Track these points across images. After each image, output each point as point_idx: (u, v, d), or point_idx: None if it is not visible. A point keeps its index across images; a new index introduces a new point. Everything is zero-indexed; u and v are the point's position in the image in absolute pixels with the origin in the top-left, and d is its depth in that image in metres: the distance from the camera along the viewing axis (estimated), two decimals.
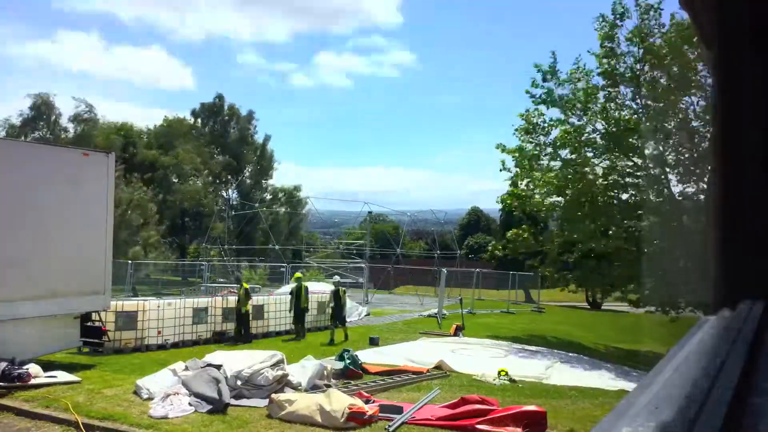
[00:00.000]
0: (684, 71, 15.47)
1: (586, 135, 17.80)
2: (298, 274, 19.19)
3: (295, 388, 9.43)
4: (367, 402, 8.51)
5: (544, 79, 17.96)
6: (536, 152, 18.57)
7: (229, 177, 52.58)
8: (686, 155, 16.03)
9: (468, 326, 20.01)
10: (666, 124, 16.29)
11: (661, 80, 16.69)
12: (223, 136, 53.47)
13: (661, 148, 16.36)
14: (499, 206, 23.82)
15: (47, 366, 10.36)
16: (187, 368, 9.82)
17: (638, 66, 16.98)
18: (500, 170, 19.20)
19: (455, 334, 18.24)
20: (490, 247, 23.35)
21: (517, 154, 18.60)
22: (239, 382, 9.24)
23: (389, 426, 7.82)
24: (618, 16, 17.03)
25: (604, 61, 17.16)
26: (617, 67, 17.10)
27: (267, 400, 8.67)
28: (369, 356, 13.29)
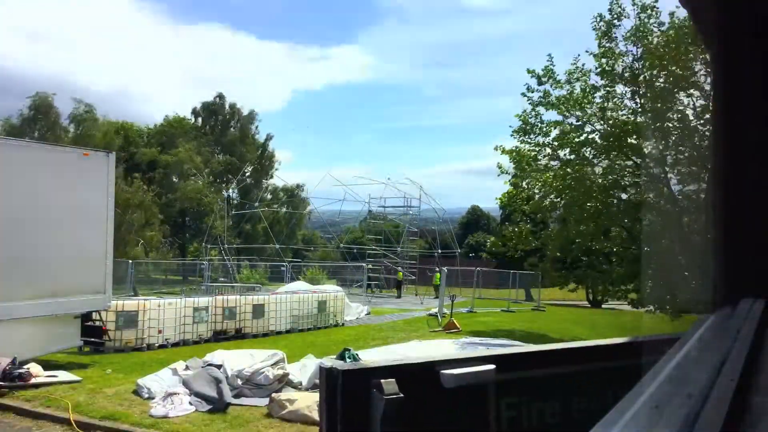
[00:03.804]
0: (683, 70, 15.46)
1: (584, 135, 17.80)
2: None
3: (296, 387, 9.44)
4: None
5: (540, 83, 17.98)
6: (534, 152, 18.58)
7: (230, 176, 52.65)
8: (686, 154, 16.02)
9: (470, 325, 20.04)
10: (665, 123, 16.28)
11: (660, 79, 16.68)
12: (224, 135, 53.47)
13: (660, 147, 16.35)
14: (498, 205, 23.90)
15: (48, 365, 10.38)
16: (187, 367, 9.84)
17: (637, 65, 16.96)
18: (498, 175, 19.29)
19: (450, 329, 18.71)
20: (489, 243, 23.42)
21: (514, 155, 18.62)
22: (240, 381, 9.25)
23: None
24: (615, 16, 17.02)
25: (603, 60, 17.15)
26: (615, 66, 17.09)
27: (267, 399, 8.68)
28: (370, 355, 13.29)
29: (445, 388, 1.93)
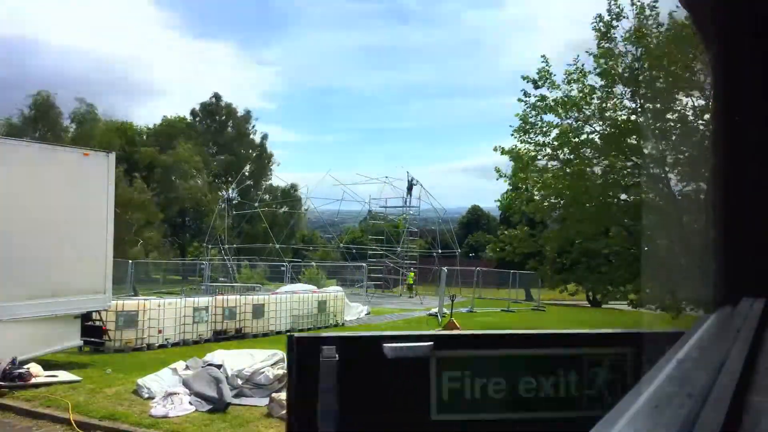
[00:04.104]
0: (683, 70, 15.44)
1: (584, 135, 17.79)
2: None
3: None
4: None
5: (536, 87, 17.92)
6: (534, 153, 18.55)
7: (229, 177, 52.65)
8: (686, 154, 16.00)
9: (470, 325, 20.05)
10: (665, 123, 16.26)
11: (660, 80, 16.64)
12: (222, 136, 53.49)
13: (660, 147, 16.34)
14: (498, 207, 23.88)
15: (48, 365, 10.38)
16: (187, 367, 9.84)
17: (636, 65, 16.93)
18: (498, 177, 19.29)
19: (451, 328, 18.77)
20: (488, 249, 23.37)
21: (514, 156, 18.59)
22: (240, 381, 9.25)
23: None
24: (614, 16, 16.98)
25: (602, 61, 17.12)
26: (615, 66, 17.05)
27: (267, 399, 8.68)
28: None
29: (388, 359, 2.23)
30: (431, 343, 2.30)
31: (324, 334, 2.40)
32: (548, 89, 17.87)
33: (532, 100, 18.03)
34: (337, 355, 2.15)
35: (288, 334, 2.36)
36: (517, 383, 2.41)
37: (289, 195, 52.33)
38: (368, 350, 2.27)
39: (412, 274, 36.84)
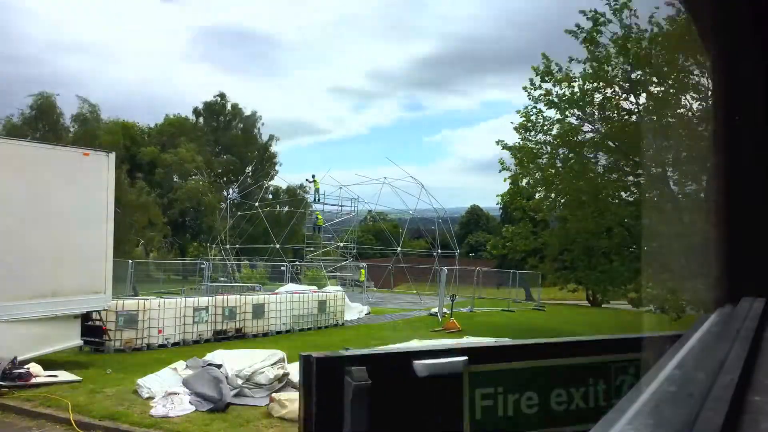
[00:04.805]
0: (677, 72, 15.44)
1: (584, 135, 17.80)
2: None
3: (296, 387, 9.42)
4: None
5: (543, 80, 17.91)
6: (536, 150, 18.55)
7: (231, 177, 52.56)
8: (685, 153, 16.00)
9: (469, 325, 20.05)
10: (664, 123, 16.26)
11: (654, 81, 16.62)
12: (226, 136, 53.37)
13: (661, 146, 16.34)
14: (499, 204, 23.93)
15: (48, 365, 10.38)
16: (187, 367, 9.84)
17: (629, 68, 16.89)
18: (500, 171, 19.26)
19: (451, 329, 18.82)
20: (488, 246, 23.47)
21: (516, 152, 18.60)
22: (240, 381, 9.26)
23: None
24: (594, 22, 16.84)
25: (595, 65, 17.07)
26: (608, 69, 17.00)
27: (267, 399, 8.69)
28: None
29: (418, 377, 2.04)
30: (465, 357, 2.15)
31: (346, 352, 2.18)
32: (552, 85, 17.89)
33: (536, 94, 18.03)
34: (368, 378, 1.93)
35: (301, 353, 2.00)
36: (548, 396, 2.33)
37: (296, 194, 52.16)
38: (396, 368, 2.06)
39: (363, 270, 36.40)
